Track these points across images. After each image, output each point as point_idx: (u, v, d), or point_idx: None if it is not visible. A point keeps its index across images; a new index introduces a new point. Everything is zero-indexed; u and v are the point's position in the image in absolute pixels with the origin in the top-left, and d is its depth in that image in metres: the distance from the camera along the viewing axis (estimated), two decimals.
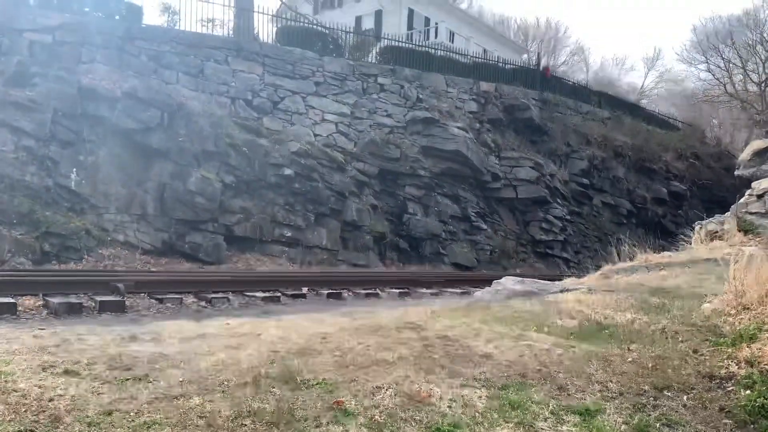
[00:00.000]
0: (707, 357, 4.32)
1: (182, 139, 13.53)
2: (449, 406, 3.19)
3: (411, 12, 30.37)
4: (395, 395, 3.25)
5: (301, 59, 17.42)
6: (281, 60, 17.05)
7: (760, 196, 9.84)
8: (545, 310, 5.66)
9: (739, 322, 4.90)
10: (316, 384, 3.35)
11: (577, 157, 22.90)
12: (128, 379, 3.27)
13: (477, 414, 3.14)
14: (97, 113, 12.66)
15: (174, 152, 13.37)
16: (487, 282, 8.03)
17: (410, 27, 29.67)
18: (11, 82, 12.24)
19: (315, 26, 20.33)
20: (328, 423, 2.90)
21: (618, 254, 9.09)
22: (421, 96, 19.47)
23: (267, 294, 8.58)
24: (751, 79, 34.75)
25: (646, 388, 3.67)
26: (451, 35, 30.64)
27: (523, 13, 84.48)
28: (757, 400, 3.56)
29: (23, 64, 12.63)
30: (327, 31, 20.04)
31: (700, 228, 10.15)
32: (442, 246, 18.38)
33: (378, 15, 29.87)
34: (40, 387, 3.06)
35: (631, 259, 8.86)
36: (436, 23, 30.62)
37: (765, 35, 33.64)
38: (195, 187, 13.27)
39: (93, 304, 6.99)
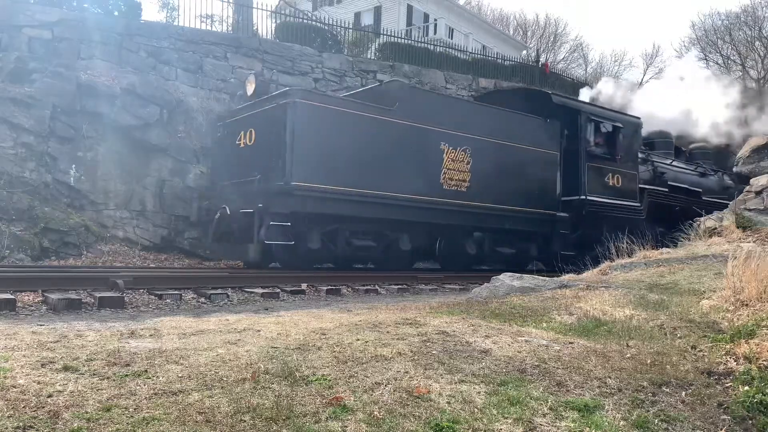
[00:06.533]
0: (706, 353, 4.33)
1: (181, 135, 13.53)
2: (448, 402, 3.19)
3: (410, 8, 30.33)
4: (394, 391, 3.26)
5: (300, 55, 17.39)
6: (280, 56, 17.02)
7: (758, 193, 9.87)
8: (543, 306, 5.67)
9: (738, 318, 4.92)
10: (315, 380, 3.35)
11: None
12: (127, 375, 3.27)
13: (476, 410, 3.14)
14: (96, 109, 12.64)
15: (173, 148, 13.37)
16: (485, 278, 8.04)
17: (409, 23, 29.64)
18: (10, 78, 12.21)
19: (314, 22, 20.28)
20: (327, 419, 2.90)
21: (617, 250, 9.10)
22: None
23: (266, 290, 8.58)
24: (749, 75, 34.79)
25: (645, 384, 3.68)
26: (451, 31, 30.62)
27: (523, 9, 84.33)
28: (756, 396, 3.56)
29: (22, 60, 12.60)
30: (326, 27, 20.01)
31: (699, 224, 10.17)
32: None
33: (377, 11, 29.83)
34: (39, 383, 3.06)
35: (629, 256, 8.88)
36: (435, 19, 30.58)
37: (764, 32, 33.67)
38: (194, 184, 13.27)
39: (92, 300, 6.98)
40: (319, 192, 10.22)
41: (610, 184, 14.42)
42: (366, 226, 11.31)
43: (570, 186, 13.86)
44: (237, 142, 11.34)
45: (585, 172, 13.89)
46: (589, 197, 13.89)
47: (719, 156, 19.48)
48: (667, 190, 16.13)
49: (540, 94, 15.61)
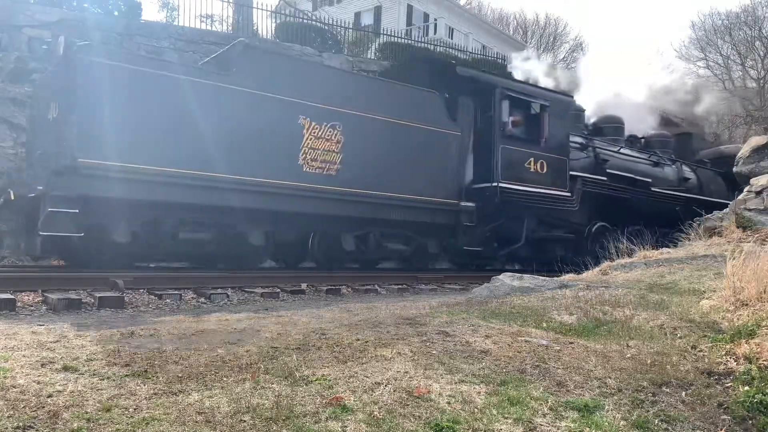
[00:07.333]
0: (706, 353, 4.33)
1: None
2: (448, 402, 3.19)
3: (410, 8, 30.34)
4: (394, 391, 3.26)
5: (300, 55, 17.37)
6: None
7: (758, 193, 9.87)
8: (543, 306, 5.67)
9: (738, 319, 4.92)
10: (315, 380, 3.35)
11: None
12: (127, 375, 3.27)
13: (476, 410, 3.14)
14: None
15: None
16: (485, 278, 8.04)
17: (409, 23, 29.65)
18: (10, 78, 12.22)
19: (314, 22, 20.29)
20: (327, 419, 2.90)
21: (617, 251, 9.10)
22: None
23: (266, 290, 8.58)
24: (749, 75, 34.82)
25: (645, 384, 3.68)
26: (450, 31, 30.63)
27: (523, 9, 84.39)
28: (756, 396, 3.56)
29: (22, 60, 12.60)
30: (326, 27, 20.03)
31: (699, 224, 10.17)
32: None
33: (377, 11, 29.84)
34: (38, 383, 3.06)
35: (629, 256, 8.88)
36: (435, 19, 30.58)
37: (764, 31, 33.67)
38: None
39: (92, 300, 6.98)
40: (123, 172, 8.23)
41: (532, 170, 12.57)
42: (199, 215, 9.33)
43: (482, 172, 12.13)
44: (48, 117, 9.05)
45: (499, 157, 12.03)
46: (503, 185, 12.01)
47: (682, 146, 17.86)
48: (605, 178, 14.10)
49: (446, 67, 13.82)
